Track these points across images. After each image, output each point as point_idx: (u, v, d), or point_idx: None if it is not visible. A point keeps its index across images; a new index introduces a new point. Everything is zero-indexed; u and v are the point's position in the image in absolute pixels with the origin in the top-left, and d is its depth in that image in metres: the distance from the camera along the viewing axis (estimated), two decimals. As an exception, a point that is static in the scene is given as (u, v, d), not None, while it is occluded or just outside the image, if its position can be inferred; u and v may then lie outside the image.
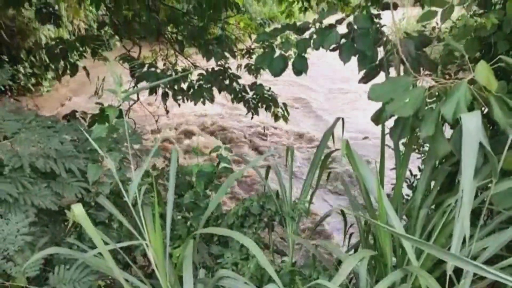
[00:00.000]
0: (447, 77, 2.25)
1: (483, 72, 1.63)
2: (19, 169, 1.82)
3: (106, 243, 1.67)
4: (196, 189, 2.34)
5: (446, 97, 1.68)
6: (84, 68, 4.57)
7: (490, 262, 1.70)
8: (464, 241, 1.74)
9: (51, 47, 4.28)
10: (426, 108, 1.83)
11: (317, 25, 2.45)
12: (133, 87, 4.29)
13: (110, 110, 2.01)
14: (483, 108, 1.81)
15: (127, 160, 2.12)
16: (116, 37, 5.30)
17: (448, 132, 1.80)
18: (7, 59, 7.07)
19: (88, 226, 1.49)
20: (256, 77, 5.13)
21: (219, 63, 4.61)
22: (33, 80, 9.18)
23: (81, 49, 4.40)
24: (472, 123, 1.53)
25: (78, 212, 1.48)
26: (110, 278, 2.03)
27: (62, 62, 4.36)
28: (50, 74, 9.29)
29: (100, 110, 3.69)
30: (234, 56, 4.79)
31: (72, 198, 1.94)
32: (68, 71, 4.37)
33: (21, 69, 8.77)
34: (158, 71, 4.13)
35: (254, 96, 4.85)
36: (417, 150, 3.03)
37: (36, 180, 1.88)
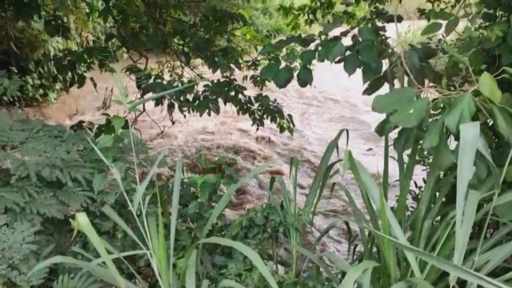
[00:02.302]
0: (452, 88, 2.25)
1: (486, 83, 1.63)
2: (26, 178, 1.84)
3: (110, 253, 1.67)
4: (201, 200, 2.34)
5: (449, 108, 1.68)
6: (91, 79, 4.61)
7: (495, 274, 1.69)
8: (471, 253, 1.74)
9: (59, 58, 4.34)
10: (430, 119, 1.83)
11: (322, 37, 2.47)
12: (140, 98, 4.31)
13: (116, 120, 2.03)
14: (488, 120, 1.81)
15: (132, 169, 2.13)
16: (123, 48, 5.35)
17: (453, 144, 1.80)
18: (16, 70, 7.14)
19: (92, 235, 1.49)
20: (261, 89, 5.14)
21: (224, 74, 4.62)
22: (41, 91, 9.30)
23: (88, 60, 4.45)
24: (469, 132, 1.53)
25: (82, 221, 1.48)
26: (114, 288, 2.04)
27: (70, 74, 4.41)
28: (58, 85, 9.41)
29: (107, 121, 3.72)
30: (239, 68, 4.80)
31: (77, 207, 1.95)
32: (75, 82, 4.42)
33: (30, 80, 8.89)
34: (165, 82, 4.15)
35: (259, 107, 4.86)
36: (422, 162, 3.02)
37: (42, 189, 1.90)
